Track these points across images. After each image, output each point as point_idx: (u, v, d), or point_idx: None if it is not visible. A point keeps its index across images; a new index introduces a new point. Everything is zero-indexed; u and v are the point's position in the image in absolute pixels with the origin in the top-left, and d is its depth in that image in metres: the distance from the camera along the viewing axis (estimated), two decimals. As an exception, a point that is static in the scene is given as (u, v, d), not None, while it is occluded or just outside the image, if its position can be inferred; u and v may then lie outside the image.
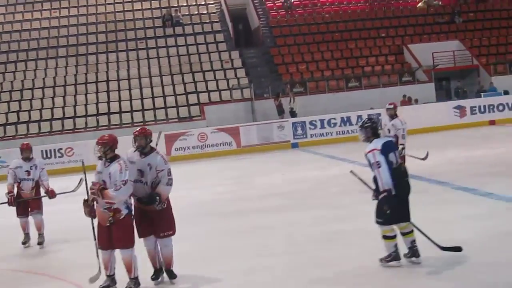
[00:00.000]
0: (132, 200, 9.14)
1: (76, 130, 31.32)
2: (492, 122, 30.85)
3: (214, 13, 39.96)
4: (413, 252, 9.17)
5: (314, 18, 39.28)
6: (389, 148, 9.11)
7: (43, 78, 34.64)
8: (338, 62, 35.81)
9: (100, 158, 8.99)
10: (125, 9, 40.25)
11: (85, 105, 32.73)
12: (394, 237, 9.15)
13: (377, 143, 9.07)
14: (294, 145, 29.61)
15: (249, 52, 37.53)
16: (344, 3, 40.85)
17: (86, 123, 31.76)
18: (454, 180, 15.72)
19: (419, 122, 28.80)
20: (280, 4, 40.44)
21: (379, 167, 8.93)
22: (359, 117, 29.78)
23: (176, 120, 31.83)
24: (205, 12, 40.04)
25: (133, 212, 9.09)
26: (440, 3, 40.66)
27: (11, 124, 31.66)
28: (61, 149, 28.73)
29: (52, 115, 32.17)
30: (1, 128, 31.42)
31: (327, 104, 31.89)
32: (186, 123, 31.20)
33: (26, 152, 13.23)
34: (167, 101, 33.02)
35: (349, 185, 13.95)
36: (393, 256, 9.12)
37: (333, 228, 11.93)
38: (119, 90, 33.90)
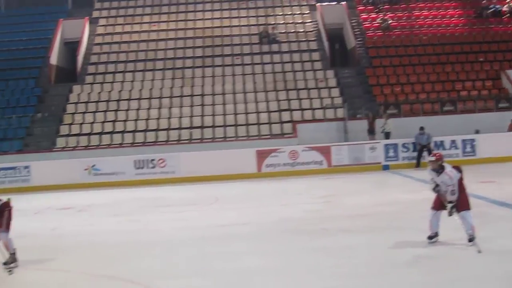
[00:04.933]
0: None
1: (169, 142, 31.74)
2: None
3: (311, 31, 40.05)
4: None
5: (411, 40, 38.89)
6: None
7: (140, 90, 35.30)
8: (434, 85, 35.28)
9: None
10: (223, 25, 40.73)
11: (179, 118, 33.17)
12: None
13: None
14: (385, 167, 29.30)
15: (344, 72, 37.37)
16: (443, 25, 40.26)
17: (179, 136, 32.16)
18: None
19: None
20: (378, 24, 40.17)
21: None
22: (453, 141, 29.39)
23: (269, 136, 31.95)
24: (302, 30, 40.18)
25: None
26: (541, 28, 39.73)
27: (106, 133, 32.32)
28: (153, 160, 29.17)
29: (147, 126, 32.71)
30: (97, 136, 32.10)
31: (421, 127, 31.50)
32: (278, 140, 31.26)
33: None
34: (260, 117, 33.19)
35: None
36: None
37: (416, 253, 11.76)
38: (213, 105, 34.24)
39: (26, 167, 29.27)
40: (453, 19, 40.96)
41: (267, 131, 32.39)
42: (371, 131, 31.45)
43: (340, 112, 32.79)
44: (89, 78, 36.60)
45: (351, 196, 21.16)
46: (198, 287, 10.43)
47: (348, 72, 37.46)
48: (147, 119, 33.16)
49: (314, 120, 32.83)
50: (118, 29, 40.77)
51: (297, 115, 33.14)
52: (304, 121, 32.77)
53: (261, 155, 29.16)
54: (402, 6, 42.15)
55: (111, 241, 14.92)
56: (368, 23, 40.66)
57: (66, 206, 22.24)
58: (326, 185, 25.10)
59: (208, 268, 11.49)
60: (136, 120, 33.16)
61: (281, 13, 42.08)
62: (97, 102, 34.60)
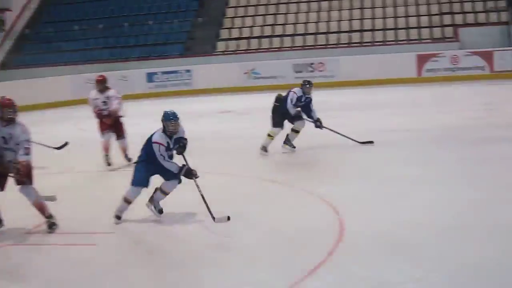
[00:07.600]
0: None
1: (328, 46, 31.61)
2: None
3: None
4: None
5: None
6: None
7: (300, -8, 35.12)
8: None
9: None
10: None
11: (338, 21, 32.88)
12: None
13: None
14: (552, 71, 28.21)
15: (510, -28, 35.70)
16: None
17: (338, 39, 31.95)
18: None
19: None
20: None
21: None
22: None
23: (429, 40, 31.21)
24: None
25: None
26: None
27: (265, 37, 32.49)
28: (312, 63, 29.30)
29: (306, 29, 32.65)
30: (256, 40, 32.36)
31: None
32: (438, 44, 30.54)
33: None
34: (420, 20, 32.35)
35: None
36: None
37: None
38: (373, 8, 33.60)
39: (188, 70, 30.09)
40: None
41: (427, 35, 31.62)
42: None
43: (504, 16, 31.56)
44: (248, -19, 36.70)
45: (515, 103, 20.62)
46: (359, 191, 10.49)
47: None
48: (306, 23, 33.07)
49: (476, 24, 31.68)
50: None
51: (458, 19, 32.09)
52: (466, 24, 31.68)
53: (421, 60, 28.78)
54: None
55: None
56: None
57: (227, 110, 22.75)
58: (488, 92, 24.51)
59: (369, 174, 11.56)
60: (295, 23, 33.14)
61: None
62: (256, 6, 34.74)
